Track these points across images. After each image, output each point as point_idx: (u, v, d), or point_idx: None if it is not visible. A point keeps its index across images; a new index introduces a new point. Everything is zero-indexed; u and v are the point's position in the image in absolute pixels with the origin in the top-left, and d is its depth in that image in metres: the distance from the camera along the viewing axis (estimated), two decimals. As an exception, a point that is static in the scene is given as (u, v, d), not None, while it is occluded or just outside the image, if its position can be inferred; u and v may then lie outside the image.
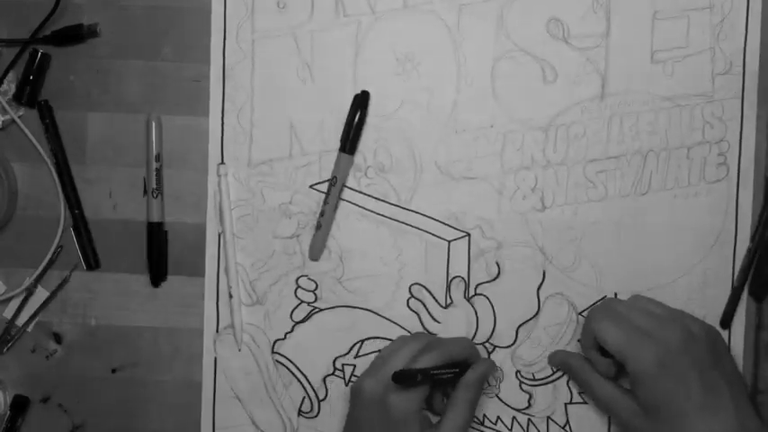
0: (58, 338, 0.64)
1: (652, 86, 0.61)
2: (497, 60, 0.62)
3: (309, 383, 0.63)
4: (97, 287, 0.64)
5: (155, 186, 0.63)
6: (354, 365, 0.63)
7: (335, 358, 0.63)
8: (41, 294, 0.64)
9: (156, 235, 0.63)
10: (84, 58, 0.64)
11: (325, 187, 0.63)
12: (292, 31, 0.62)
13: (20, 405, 0.64)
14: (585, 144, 0.61)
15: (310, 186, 0.63)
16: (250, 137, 0.63)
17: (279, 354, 0.63)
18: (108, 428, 0.65)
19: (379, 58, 0.62)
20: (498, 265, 0.62)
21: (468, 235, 0.62)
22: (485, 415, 0.63)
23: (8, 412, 0.64)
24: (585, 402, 0.62)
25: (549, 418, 0.62)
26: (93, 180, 0.64)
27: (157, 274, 0.63)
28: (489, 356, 0.62)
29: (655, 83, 0.61)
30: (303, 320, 0.63)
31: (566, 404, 0.62)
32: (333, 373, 0.63)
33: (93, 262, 0.64)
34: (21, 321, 0.64)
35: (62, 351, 0.65)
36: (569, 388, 0.62)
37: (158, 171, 0.63)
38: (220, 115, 0.63)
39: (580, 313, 0.62)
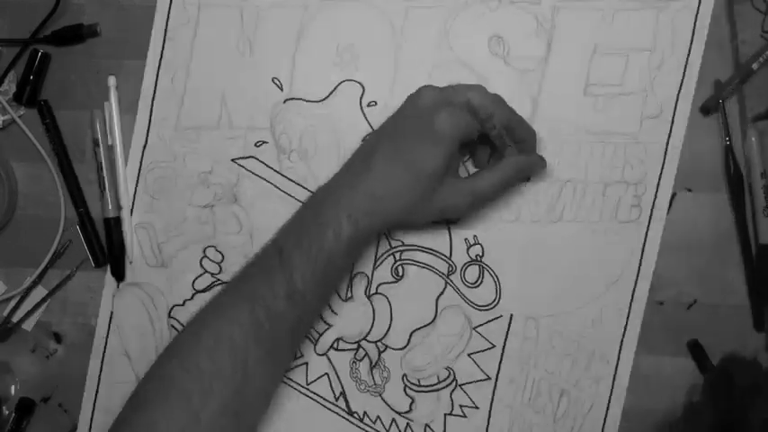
0: (58, 338, 0.65)
1: (580, 118, 0.61)
2: (435, 68, 0.62)
3: (200, 353, 0.64)
4: (97, 287, 0.64)
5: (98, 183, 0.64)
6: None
7: (229, 332, 0.64)
8: (42, 294, 0.64)
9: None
10: (84, 58, 0.64)
11: (247, 163, 0.63)
12: (239, 4, 0.62)
13: (26, 407, 0.64)
14: (507, 164, 0.62)
15: (232, 160, 0.63)
16: (181, 101, 0.63)
17: (175, 319, 0.64)
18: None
19: (320, 44, 0.62)
20: (403, 268, 0.63)
21: (379, 235, 0.63)
22: (365, 412, 0.63)
23: (14, 415, 0.64)
24: (465, 416, 0.63)
25: (427, 425, 0.63)
26: (93, 180, 0.64)
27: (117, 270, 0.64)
28: (380, 355, 0.63)
29: (584, 115, 0.61)
30: (204, 290, 0.64)
31: (445, 414, 0.63)
32: (224, 347, 0.64)
33: (101, 259, 0.64)
34: (24, 323, 0.65)
35: (62, 351, 0.65)
36: (452, 399, 0.63)
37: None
38: (155, 74, 0.63)
39: (474, 328, 0.62)
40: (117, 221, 0.63)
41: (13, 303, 0.64)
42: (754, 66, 0.60)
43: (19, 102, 0.64)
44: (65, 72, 0.64)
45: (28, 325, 0.65)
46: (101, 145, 0.63)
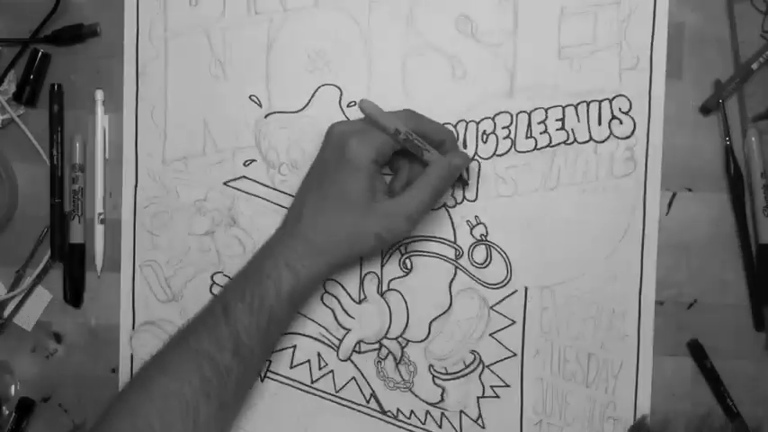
0: (58, 338, 0.65)
1: (560, 82, 0.61)
2: (407, 57, 0.62)
3: (226, 379, 0.64)
4: (97, 287, 0.64)
5: (72, 208, 0.63)
6: (270, 360, 0.64)
7: (251, 354, 0.63)
8: (42, 294, 0.65)
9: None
10: (84, 58, 0.64)
11: (240, 183, 0.63)
12: (205, 28, 0.63)
13: (26, 407, 0.64)
14: (495, 140, 0.62)
15: (224, 183, 0.63)
16: (164, 134, 0.63)
17: (195, 350, 0.64)
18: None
19: (290, 54, 0.62)
20: (411, 261, 0.62)
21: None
22: (399, 409, 0.63)
23: (14, 415, 0.64)
24: (498, 396, 0.62)
25: (462, 412, 0.63)
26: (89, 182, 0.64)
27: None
28: (403, 351, 0.63)
29: (562, 78, 0.61)
30: (218, 316, 0.64)
31: (478, 398, 0.63)
32: (248, 369, 0.64)
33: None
34: (21, 321, 0.65)
35: (62, 351, 0.65)
36: (481, 382, 0.63)
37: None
38: (134, 113, 0.63)
39: (491, 307, 0.62)
40: (82, 248, 0.64)
41: (13, 304, 0.65)
42: (754, 66, 0.60)
43: (19, 101, 0.64)
44: (65, 72, 0.64)
45: (28, 325, 0.65)
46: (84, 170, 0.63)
